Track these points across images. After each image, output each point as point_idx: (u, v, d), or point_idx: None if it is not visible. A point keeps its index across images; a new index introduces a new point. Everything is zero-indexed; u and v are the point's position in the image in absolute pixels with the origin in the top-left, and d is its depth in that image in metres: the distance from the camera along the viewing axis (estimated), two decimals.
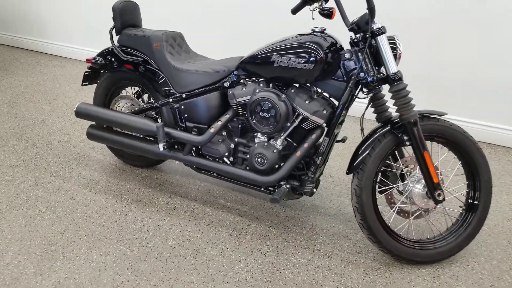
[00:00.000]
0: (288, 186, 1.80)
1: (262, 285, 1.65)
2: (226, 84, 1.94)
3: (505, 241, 1.95)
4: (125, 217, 2.03)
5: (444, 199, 1.67)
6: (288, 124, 1.80)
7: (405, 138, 1.65)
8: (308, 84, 1.79)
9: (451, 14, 2.86)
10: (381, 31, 1.59)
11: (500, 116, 2.93)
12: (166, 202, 2.16)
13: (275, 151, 1.82)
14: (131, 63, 2.13)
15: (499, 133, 2.95)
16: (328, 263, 1.78)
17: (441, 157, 2.66)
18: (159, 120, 2.23)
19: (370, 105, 1.78)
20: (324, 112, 1.73)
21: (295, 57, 1.69)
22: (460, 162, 1.77)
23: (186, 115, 2.04)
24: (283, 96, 1.75)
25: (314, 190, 1.83)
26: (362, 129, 1.83)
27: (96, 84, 2.49)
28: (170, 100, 2.05)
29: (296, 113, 1.79)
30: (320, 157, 1.80)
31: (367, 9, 1.60)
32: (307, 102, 1.74)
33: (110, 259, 1.77)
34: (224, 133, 1.99)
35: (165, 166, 2.51)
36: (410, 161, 1.77)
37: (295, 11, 1.89)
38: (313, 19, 1.84)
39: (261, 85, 1.84)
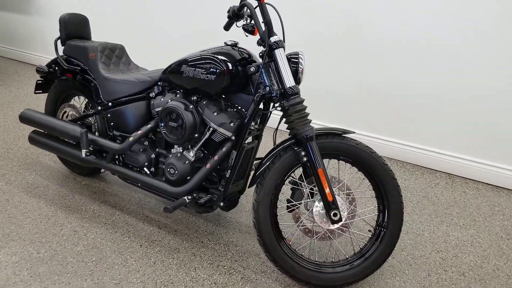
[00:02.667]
0: (189, 197, 1.77)
1: None
2: (152, 94, 1.98)
3: (424, 273, 1.83)
4: (47, 221, 2.05)
5: (340, 220, 1.59)
6: (197, 135, 1.79)
7: (303, 153, 1.61)
8: (224, 96, 1.79)
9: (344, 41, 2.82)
10: (278, 45, 1.58)
11: (444, 143, 2.81)
12: (93, 210, 2.17)
13: (186, 162, 1.82)
14: (70, 72, 2.21)
15: (457, 163, 2.82)
16: (227, 279, 1.72)
17: (350, 176, 2.59)
18: None
19: (283, 120, 1.75)
20: (231, 124, 1.71)
21: (199, 68, 1.71)
22: (370, 183, 1.70)
23: (112, 123, 2.07)
24: (191, 106, 1.76)
25: (221, 204, 1.79)
26: (274, 143, 1.80)
27: None
28: (99, 108, 2.10)
29: (208, 125, 1.78)
30: (229, 171, 1.77)
31: (262, 22, 1.60)
32: (215, 114, 1.74)
33: (14, 259, 1.78)
34: (146, 143, 2.00)
35: (108, 176, 2.54)
36: None
37: (226, 27, 1.93)
38: (246, 36, 1.86)
39: (177, 95, 1.86)
